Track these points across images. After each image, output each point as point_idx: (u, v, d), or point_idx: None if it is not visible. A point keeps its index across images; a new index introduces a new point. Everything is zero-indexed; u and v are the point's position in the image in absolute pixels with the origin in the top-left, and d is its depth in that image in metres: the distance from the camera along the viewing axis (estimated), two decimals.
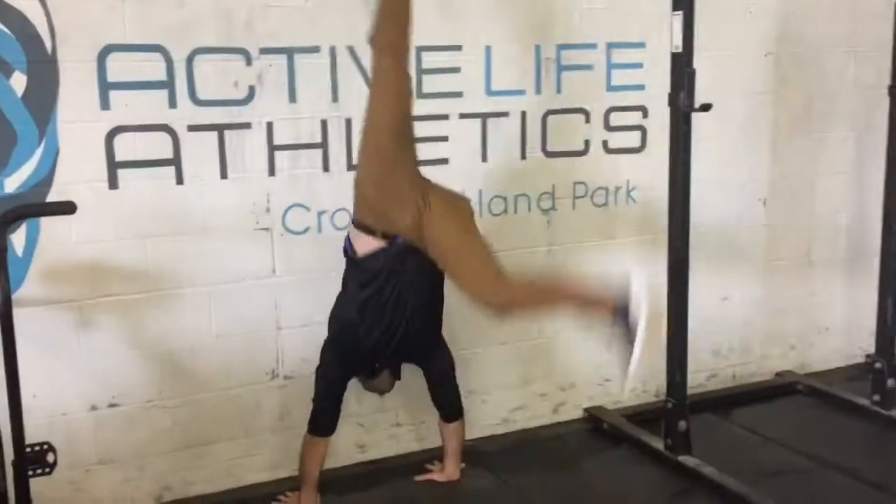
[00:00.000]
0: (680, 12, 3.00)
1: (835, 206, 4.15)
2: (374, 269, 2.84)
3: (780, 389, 4.02)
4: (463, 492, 3.19)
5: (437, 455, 3.33)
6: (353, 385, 3.12)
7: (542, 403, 3.71)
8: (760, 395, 3.96)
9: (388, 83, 2.79)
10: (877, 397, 3.66)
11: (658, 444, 3.34)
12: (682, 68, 3.03)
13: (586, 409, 3.75)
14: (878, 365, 3.65)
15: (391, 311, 2.86)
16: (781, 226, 4.05)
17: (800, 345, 4.23)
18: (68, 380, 2.90)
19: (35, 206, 2.70)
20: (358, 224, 2.88)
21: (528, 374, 3.68)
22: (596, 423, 3.68)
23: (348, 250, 2.90)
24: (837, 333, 4.29)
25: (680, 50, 3.02)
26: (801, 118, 3.99)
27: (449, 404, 3.17)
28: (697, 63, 3.48)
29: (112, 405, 2.98)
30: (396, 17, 2.76)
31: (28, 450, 2.43)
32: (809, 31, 3.92)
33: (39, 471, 2.48)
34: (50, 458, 2.50)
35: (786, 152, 3.99)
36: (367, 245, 2.84)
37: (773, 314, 4.14)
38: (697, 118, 3.49)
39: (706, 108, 3.02)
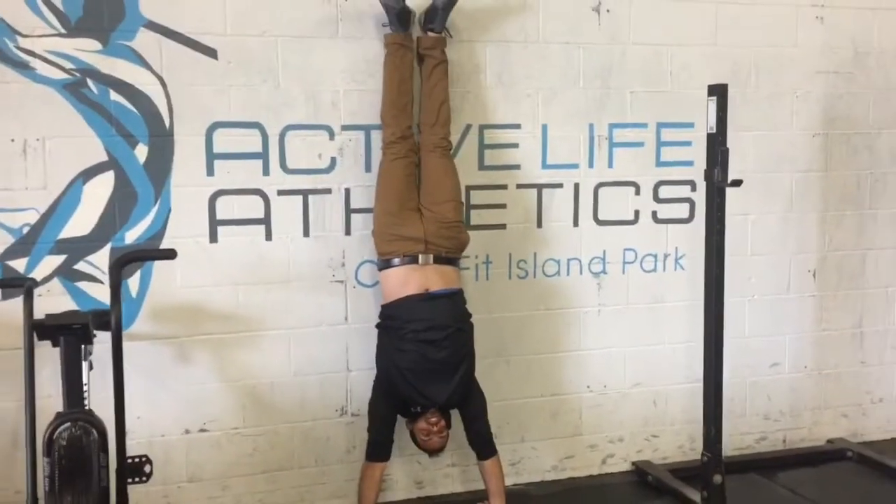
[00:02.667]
0: (714, 97, 3.32)
1: (885, 280, 4.28)
2: (402, 316, 3.27)
3: (830, 455, 4.12)
4: None
5: (483, 497, 3.60)
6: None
7: (591, 454, 3.95)
8: (809, 460, 4.08)
9: (395, 156, 3.39)
10: None
11: (696, 497, 3.53)
12: (716, 147, 3.33)
13: (634, 463, 3.97)
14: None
15: (420, 353, 3.24)
16: (831, 297, 4.21)
17: (853, 413, 4.33)
18: (167, 406, 3.37)
19: (143, 251, 3.22)
20: (383, 262, 3.34)
21: (579, 425, 3.94)
22: (641, 476, 3.89)
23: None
24: (891, 403, 4.37)
25: (714, 130, 3.33)
26: (850, 195, 4.18)
27: (483, 443, 3.45)
28: (744, 142, 3.79)
29: (202, 430, 3.43)
30: (394, 102, 3.40)
31: (129, 461, 2.87)
32: (858, 114, 4.14)
33: (137, 479, 2.90)
34: (147, 468, 2.90)
35: (835, 227, 4.17)
36: (393, 290, 3.30)
37: (824, 382, 4.27)
38: (747, 195, 3.79)
39: (737, 183, 3.30)
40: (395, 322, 3.30)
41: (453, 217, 3.39)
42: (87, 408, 2.67)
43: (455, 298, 3.36)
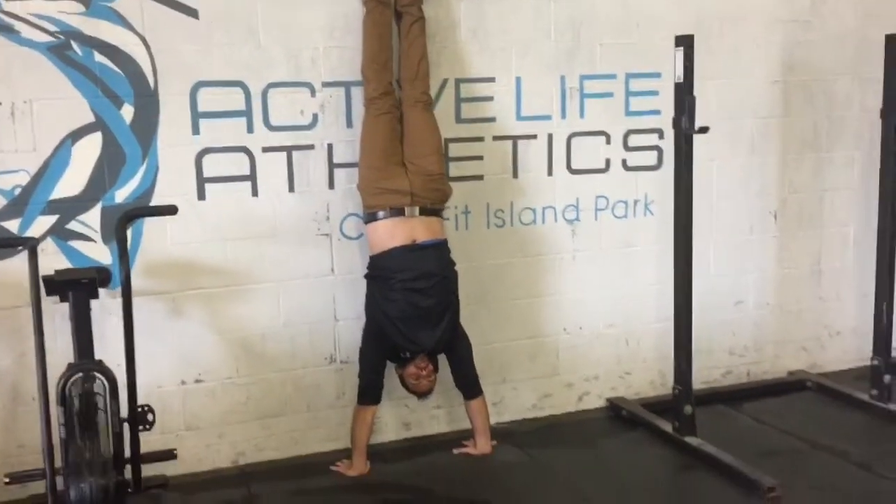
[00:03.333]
0: (681, 48, 3.47)
1: (843, 220, 4.51)
2: (391, 266, 3.41)
3: (791, 386, 4.39)
4: (495, 464, 3.66)
5: (470, 434, 3.80)
6: (395, 371, 3.64)
7: (568, 392, 4.16)
8: (771, 391, 4.33)
9: (378, 112, 3.49)
10: (875, 392, 4.01)
11: (667, 428, 3.76)
12: (683, 96, 3.49)
13: (608, 399, 4.19)
14: (875, 362, 4.00)
15: (409, 302, 3.39)
16: (791, 237, 4.44)
17: (812, 347, 4.59)
18: (162, 359, 3.48)
19: (145, 207, 3.31)
20: (369, 215, 3.46)
21: (556, 366, 4.14)
22: (616, 411, 4.11)
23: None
24: (848, 337, 4.63)
25: (681, 80, 3.48)
26: (808, 140, 4.38)
27: (469, 384, 3.65)
28: (709, 90, 3.93)
29: (197, 381, 3.56)
30: (375, 58, 3.50)
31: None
32: (815, 60, 4.32)
33: (142, 427, 3.05)
34: (150, 417, 3.06)
35: (794, 170, 4.38)
36: (380, 242, 3.43)
37: (786, 317, 4.51)
38: (711, 141, 3.95)
39: (704, 130, 3.47)
40: (383, 272, 3.44)
41: (437, 169, 3.52)
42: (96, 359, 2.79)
43: (441, 248, 3.51)
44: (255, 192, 3.53)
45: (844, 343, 4.64)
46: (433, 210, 3.51)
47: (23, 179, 3.22)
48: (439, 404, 3.94)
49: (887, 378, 3.97)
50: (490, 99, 3.83)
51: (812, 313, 4.57)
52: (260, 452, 3.67)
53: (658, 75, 4.01)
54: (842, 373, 4.55)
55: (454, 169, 3.80)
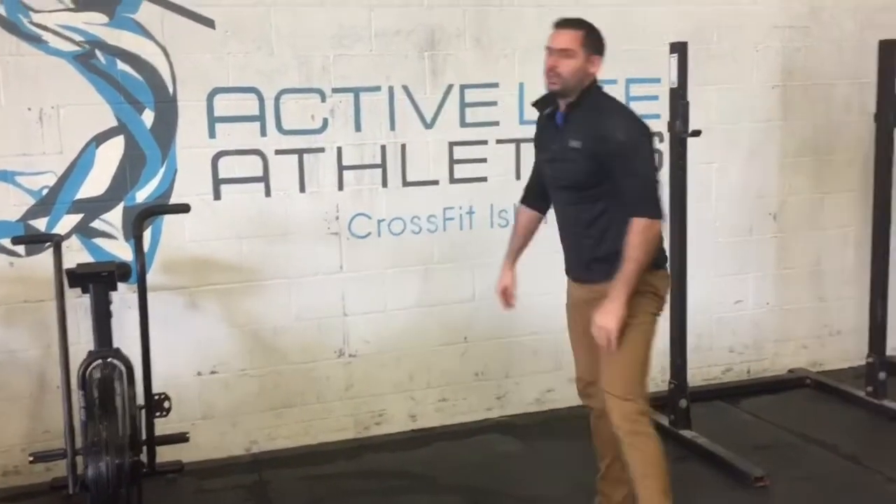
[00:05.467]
0: (675, 54, 3.60)
1: (842, 221, 4.60)
2: None
3: (790, 383, 4.49)
4: (496, 454, 3.81)
5: (471, 428, 3.94)
6: (402, 365, 3.81)
7: (570, 387, 4.27)
8: (770, 388, 4.44)
9: None
10: (870, 389, 4.11)
11: (664, 421, 3.89)
12: (677, 100, 3.62)
13: None
14: (870, 360, 4.09)
15: None
16: (791, 237, 4.54)
17: (812, 345, 4.69)
18: (180, 351, 3.68)
19: (160, 206, 3.51)
20: None
21: (559, 361, 4.26)
22: None
23: None
24: (848, 336, 4.71)
25: (676, 85, 3.62)
26: (807, 143, 4.49)
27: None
28: (709, 95, 4.05)
29: (213, 372, 3.74)
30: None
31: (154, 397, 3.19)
32: (813, 66, 4.42)
33: (158, 414, 3.23)
34: (166, 405, 3.23)
35: (793, 173, 4.49)
36: None
37: (786, 316, 4.61)
38: (711, 144, 4.06)
39: (696, 133, 3.60)
40: None
41: None
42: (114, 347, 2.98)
43: None
44: (268, 193, 3.71)
45: (844, 342, 4.72)
46: None
47: (50, 180, 3.44)
48: (444, 398, 4.09)
49: (882, 375, 4.06)
50: (494, 104, 3.98)
51: (812, 312, 4.66)
52: (272, 441, 3.85)
53: (658, 80, 4.13)
54: (841, 371, 4.64)
55: (459, 171, 3.96)
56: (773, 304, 4.59)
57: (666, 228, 3.83)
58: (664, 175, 4.00)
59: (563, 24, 2.84)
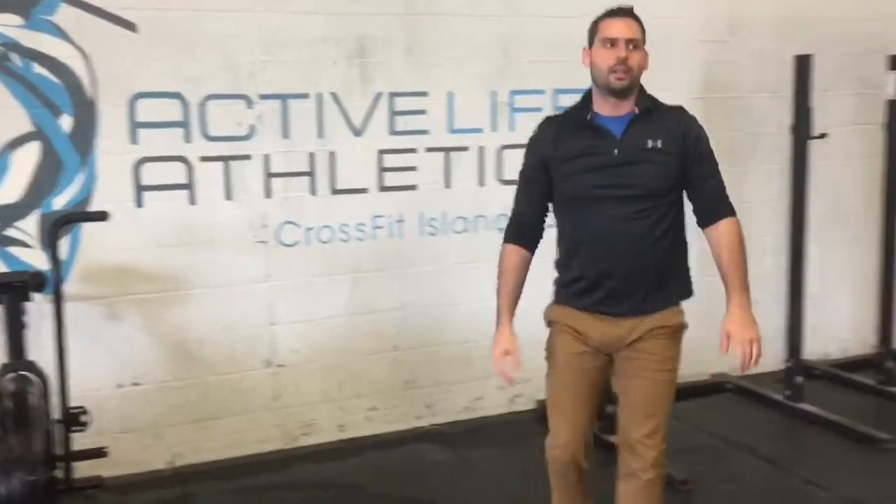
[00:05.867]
0: None
1: (762, 230, 4.75)
2: None
3: (712, 387, 4.59)
4: (424, 463, 3.80)
5: (401, 437, 3.93)
6: (331, 374, 3.77)
7: (500, 395, 4.32)
8: (693, 392, 4.51)
9: None
10: (788, 392, 4.24)
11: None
12: None
13: (538, 401, 4.35)
14: (788, 364, 4.23)
15: None
16: None
17: (733, 350, 4.79)
18: (99, 362, 3.56)
19: (77, 213, 3.40)
20: None
21: (488, 369, 4.27)
22: (545, 413, 4.26)
23: None
24: (770, 341, 4.82)
25: None
26: (726, 154, 4.54)
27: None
28: None
29: (134, 384, 3.64)
30: None
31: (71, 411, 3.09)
32: (733, 79, 4.56)
33: (75, 428, 3.13)
34: (84, 418, 3.14)
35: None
36: None
37: (708, 323, 4.71)
38: None
39: None
40: None
41: None
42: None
43: None
44: (192, 200, 3.63)
45: (766, 347, 4.83)
46: None
47: None
48: (375, 406, 4.07)
49: (799, 379, 4.20)
50: (423, 112, 3.99)
51: None
52: (196, 454, 3.76)
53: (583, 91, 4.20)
54: (763, 375, 4.75)
55: (388, 179, 3.95)
56: (696, 310, 4.68)
57: None
58: None
59: (624, 12, 2.47)
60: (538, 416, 4.28)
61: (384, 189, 3.94)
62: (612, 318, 2.53)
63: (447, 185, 4.06)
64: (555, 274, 2.71)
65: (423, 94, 3.97)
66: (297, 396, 3.90)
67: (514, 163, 4.16)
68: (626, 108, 2.46)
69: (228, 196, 3.69)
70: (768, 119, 4.67)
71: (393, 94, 3.91)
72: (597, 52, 2.47)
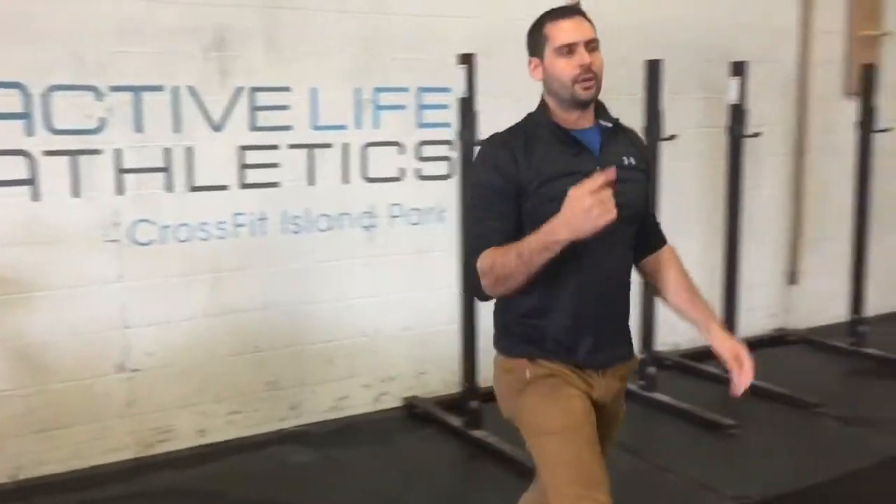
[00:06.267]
0: (465, 65, 3.71)
1: None
2: None
3: None
4: (288, 465, 3.72)
5: (265, 440, 3.84)
6: (190, 378, 3.64)
7: (365, 393, 4.29)
8: None
9: None
10: (641, 382, 4.42)
11: (457, 423, 3.98)
12: (466, 110, 3.72)
13: (404, 398, 4.36)
14: (642, 356, 4.40)
15: None
16: None
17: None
18: None
19: None
20: None
21: (354, 368, 4.25)
22: (411, 410, 4.29)
23: None
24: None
25: (465, 95, 3.72)
26: None
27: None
28: (499, 106, 4.18)
29: None
30: None
31: None
32: None
33: None
34: None
35: None
36: None
37: None
38: None
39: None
40: None
41: None
42: None
43: None
44: (35, 197, 3.41)
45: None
46: None
47: None
48: (236, 409, 3.96)
49: (651, 370, 4.39)
50: (286, 108, 3.90)
51: None
52: (40, 466, 3.53)
53: (448, 90, 4.22)
54: None
55: (250, 176, 3.85)
56: None
57: (458, 245, 3.99)
58: (451, 187, 4.13)
59: (575, 11, 2.17)
60: (405, 414, 4.30)
61: (245, 186, 3.84)
62: (604, 369, 2.13)
63: (311, 182, 4.00)
64: (514, 323, 2.15)
65: (286, 89, 3.89)
66: (153, 402, 3.74)
67: (380, 161, 4.21)
68: (589, 118, 2.17)
69: (76, 193, 3.48)
70: (623, 120, 4.83)
71: (254, 89, 3.81)
72: (553, 63, 2.13)
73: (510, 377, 2.16)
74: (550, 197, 1.99)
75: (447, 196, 4.32)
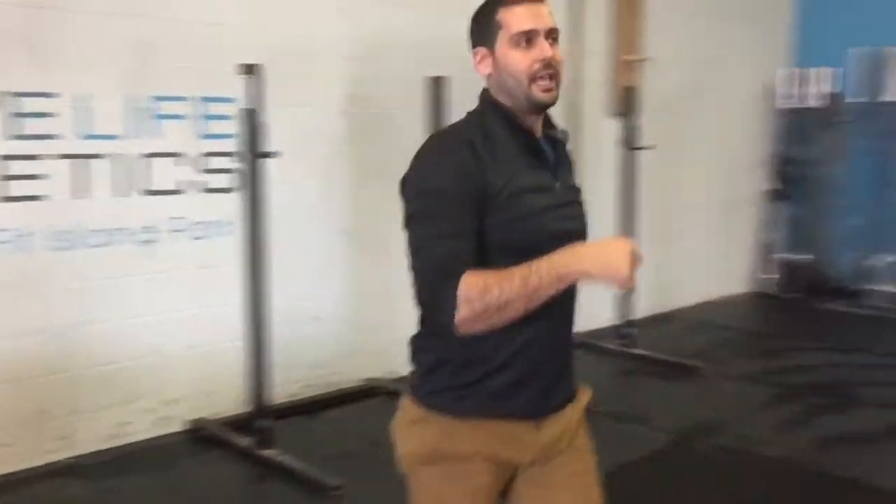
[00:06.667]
0: (249, 75, 3.63)
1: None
2: None
3: (367, 392, 4.72)
4: (59, 499, 3.45)
5: (34, 475, 3.54)
6: None
7: (147, 418, 4.07)
8: (349, 398, 4.65)
9: None
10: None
11: (246, 443, 3.87)
12: (252, 121, 3.64)
13: (190, 421, 4.18)
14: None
15: None
16: (365, 255, 4.82)
17: (384, 355, 5.01)
18: None
19: None
20: None
21: (135, 391, 4.02)
22: (197, 432, 4.11)
23: None
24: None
25: (249, 106, 3.64)
26: (374, 166, 4.80)
27: None
28: (285, 118, 4.13)
29: None
30: None
31: None
32: (378, 95, 4.77)
33: None
34: None
35: (365, 195, 4.77)
36: None
37: (361, 330, 4.89)
38: (291, 166, 4.15)
39: (268, 155, 3.66)
40: None
41: None
42: None
43: None
44: None
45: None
46: None
47: None
48: (2, 442, 3.61)
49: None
50: (52, 115, 3.63)
51: (385, 325, 4.99)
52: None
53: (232, 100, 4.12)
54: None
55: (13, 188, 3.54)
56: (349, 318, 4.83)
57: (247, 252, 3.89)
58: (237, 200, 4.03)
59: None
60: (190, 438, 4.12)
61: (7, 199, 3.52)
62: (553, 414, 1.88)
63: (82, 195, 3.74)
64: (450, 369, 1.86)
65: (52, 95, 3.62)
66: None
67: (160, 172, 4.01)
68: (539, 126, 1.87)
69: None
70: (405, 133, 4.90)
71: (16, 94, 3.51)
72: (507, 55, 1.78)
73: (418, 431, 1.87)
74: (519, 214, 1.73)
75: (232, 209, 4.20)
